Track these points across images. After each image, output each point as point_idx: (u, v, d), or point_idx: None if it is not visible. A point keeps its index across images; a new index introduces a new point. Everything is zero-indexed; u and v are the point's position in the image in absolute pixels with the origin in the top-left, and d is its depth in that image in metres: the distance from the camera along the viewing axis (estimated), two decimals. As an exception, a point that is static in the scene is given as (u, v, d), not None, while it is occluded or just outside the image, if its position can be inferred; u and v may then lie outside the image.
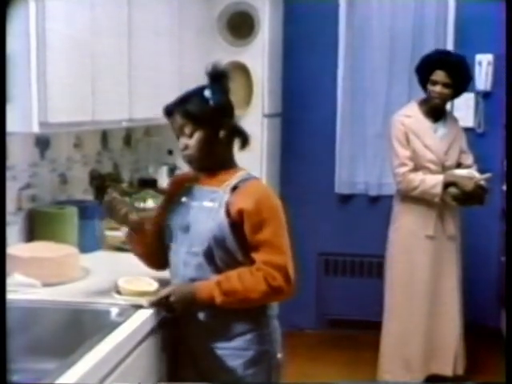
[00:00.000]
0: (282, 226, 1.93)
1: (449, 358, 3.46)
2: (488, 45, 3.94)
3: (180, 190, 2.03)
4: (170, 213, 2.00)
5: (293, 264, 1.90)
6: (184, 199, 1.99)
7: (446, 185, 3.27)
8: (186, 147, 1.92)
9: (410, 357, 3.41)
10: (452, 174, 3.32)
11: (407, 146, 3.35)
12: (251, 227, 1.87)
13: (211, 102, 1.90)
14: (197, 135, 1.90)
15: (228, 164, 1.98)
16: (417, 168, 3.35)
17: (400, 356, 3.43)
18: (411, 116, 3.40)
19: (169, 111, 1.94)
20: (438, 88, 3.32)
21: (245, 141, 1.99)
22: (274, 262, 1.85)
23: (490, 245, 4.07)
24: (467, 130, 3.82)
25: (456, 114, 3.54)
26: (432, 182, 3.27)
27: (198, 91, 1.93)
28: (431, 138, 3.38)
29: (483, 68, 4.02)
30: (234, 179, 1.93)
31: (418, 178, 3.30)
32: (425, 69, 3.37)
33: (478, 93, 4.08)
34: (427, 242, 3.38)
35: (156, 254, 2.05)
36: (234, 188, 1.91)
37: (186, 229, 1.93)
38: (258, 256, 1.87)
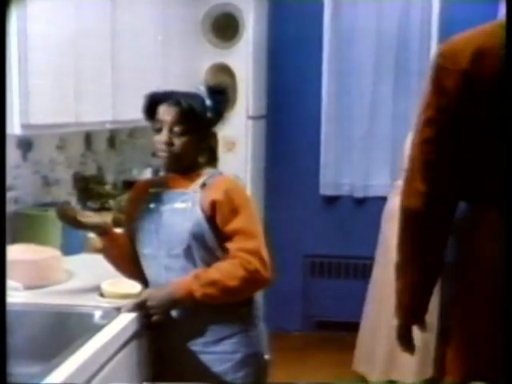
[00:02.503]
0: (254, 213, 1.94)
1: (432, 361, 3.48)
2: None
3: (144, 196, 2.00)
4: (140, 220, 1.97)
5: (267, 250, 1.89)
6: (152, 205, 1.96)
7: None
8: (172, 143, 1.88)
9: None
10: None
11: None
12: (224, 217, 1.87)
13: (209, 113, 1.91)
14: (186, 137, 1.88)
15: (194, 167, 1.97)
16: None
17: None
18: None
19: (160, 99, 1.90)
20: None
21: (212, 158, 2.01)
22: (247, 248, 1.85)
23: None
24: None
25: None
26: None
27: (198, 96, 1.92)
28: None
29: (467, 70, 4.04)
30: (200, 179, 1.94)
31: None
32: None
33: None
34: None
35: (133, 262, 2.01)
36: (203, 186, 1.92)
37: (162, 233, 1.92)
38: (231, 245, 1.88)
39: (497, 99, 1.56)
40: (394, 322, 2.99)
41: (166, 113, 1.88)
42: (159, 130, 1.89)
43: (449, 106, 1.63)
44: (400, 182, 3.46)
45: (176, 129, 1.87)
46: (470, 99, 1.60)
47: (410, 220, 1.72)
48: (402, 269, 1.80)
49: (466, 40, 1.70)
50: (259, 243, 1.89)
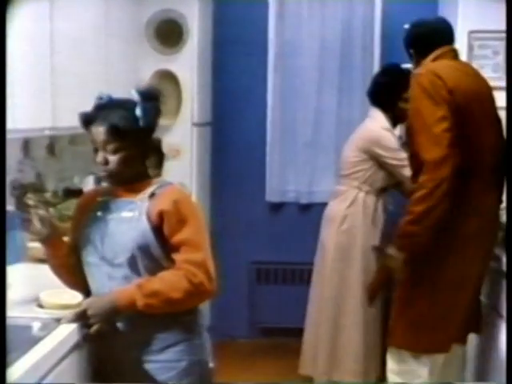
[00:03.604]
0: (201, 224, 1.94)
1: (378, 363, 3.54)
2: (412, 56, 4.03)
3: (92, 205, 1.99)
4: (86, 228, 1.95)
5: (213, 262, 1.90)
6: (99, 213, 1.95)
7: None
8: (107, 162, 1.87)
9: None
10: None
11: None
12: (171, 228, 1.86)
13: (141, 123, 1.87)
14: (121, 154, 1.86)
15: (142, 176, 1.96)
16: None
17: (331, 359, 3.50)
18: (390, 129, 3.46)
19: (89, 121, 1.88)
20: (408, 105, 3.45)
21: (161, 159, 2.00)
22: (193, 260, 1.85)
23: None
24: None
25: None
26: None
27: (127, 106, 1.88)
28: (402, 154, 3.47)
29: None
30: (149, 188, 1.93)
31: None
32: (400, 87, 3.37)
33: (403, 102, 4.17)
34: (369, 251, 3.43)
35: (76, 271, 1.99)
36: (151, 196, 1.91)
37: (107, 242, 1.90)
38: (177, 256, 1.87)
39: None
40: (335, 322, 3.33)
41: (96, 134, 1.87)
42: (96, 151, 1.89)
43: (449, 105, 2.50)
44: (339, 187, 3.63)
45: (109, 147, 1.86)
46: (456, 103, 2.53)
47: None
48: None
49: (437, 74, 2.56)
50: (205, 255, 1.88)
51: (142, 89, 1.92)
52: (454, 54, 2.79)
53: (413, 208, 2.54)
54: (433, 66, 2.67)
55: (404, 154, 3.34)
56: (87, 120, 1.88)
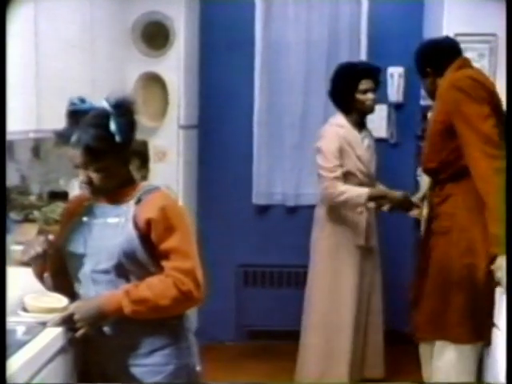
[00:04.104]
0: (189, 231, 1.93)
1: (380, 363, 3.59)
2: (399, 58, 4.05)
3: (79, 210, 1.98)
4: (71, 233, 1.94)
5: (201, 270, 1.89)
6: (85, 218, 1.94)
7: (374, 198, 3.35)
8: (91, 181, 1.85)
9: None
10: (378, 188, 3.46)
11: (339, 156, 3.35)
12: (159, 235, 1.85)
13: (117, 138, 1.82)
14: (103, 173, 1.84)
15: (128, 182, 1.95)
16: (347, 177, 3.38)
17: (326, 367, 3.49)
18: (343, 126, 3.43)
19: (65, 141, 1.83)
20: (370, 95, 3.42)
21: (144, 161, 1.98)
22: (182, 268, 1.84)
23: (405, 253, 4.15)
24: (380, 140, 3.92)
25: (369, 125, 3.61)
26: (358, 191, 3.31)
27: (100, 123, 1.82)
28: (361, 149, 3.44)
29: (395, 80, 4.14)
30: (135, 193, 1.92)
31: (344, 186, 3.33)
32: (349, 79, 3.41)
33: (390, 104, 4.19)
34: (356, 251, 3.44)
35: (60, 275, 1.98)
36: (138, 201, 1.89)
37: (90, 246, 1.89)
38: (166, 263, 1.86)
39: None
40: (325, 326, 3.33)
41: (73, 156, 1.83)
42: (77, 167, 1.86)
43: (490, 105, 2.64)
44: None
45: (90, 167, 1.84)
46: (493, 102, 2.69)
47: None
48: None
49: (474, 78, 2.74)
50: (194, 263, 1.88)
51: (115, 100, 1.85)
52: (470, 64, 2.96)
53: (493, 213, 2.50)
54: (464, 72, 2.81)
55: (332, 163, 3.33)
56: (62, 140, 1.84)
